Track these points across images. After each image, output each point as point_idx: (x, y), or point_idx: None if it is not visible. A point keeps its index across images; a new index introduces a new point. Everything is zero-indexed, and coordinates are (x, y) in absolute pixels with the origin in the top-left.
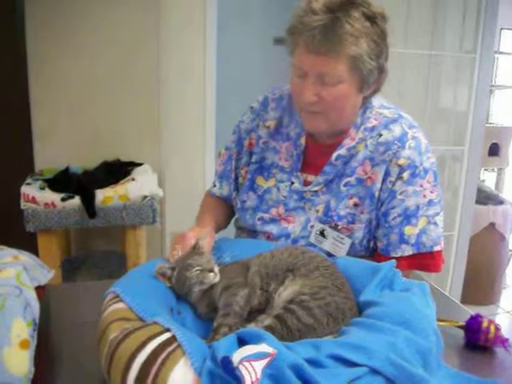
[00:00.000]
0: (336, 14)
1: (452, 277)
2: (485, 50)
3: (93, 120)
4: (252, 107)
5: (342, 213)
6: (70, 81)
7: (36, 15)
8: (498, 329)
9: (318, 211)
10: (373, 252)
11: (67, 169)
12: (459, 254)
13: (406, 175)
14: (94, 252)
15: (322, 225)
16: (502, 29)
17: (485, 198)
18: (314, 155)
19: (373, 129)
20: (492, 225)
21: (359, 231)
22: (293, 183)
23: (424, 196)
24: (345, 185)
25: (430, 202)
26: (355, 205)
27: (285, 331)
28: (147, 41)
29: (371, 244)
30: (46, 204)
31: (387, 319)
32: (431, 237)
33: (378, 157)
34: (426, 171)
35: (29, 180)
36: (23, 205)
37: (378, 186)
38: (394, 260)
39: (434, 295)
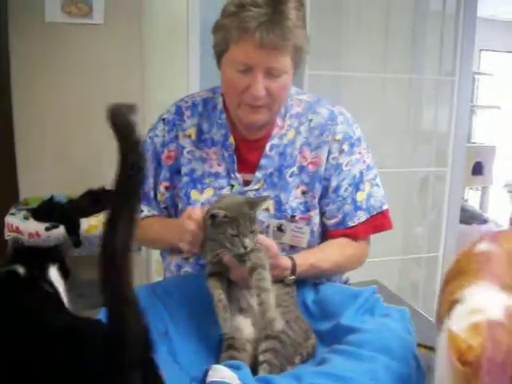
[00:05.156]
0: (279, 7)
1: None
2: (463, 71)
3: (77, 148)
4: (164, 118)
5: (294, 204)
6: (54, 110)
7: (20, 48)
8: None
9: (267, 209)
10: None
11: (51, 198)
12: None
13: (345, 147)
14: (79, 281)
15: (278, 220)
16: (481, 50)
17: (469, 217)
18: (246, 152)
19: (298, 115)
20: None
21: (316, 217)
22: (233, 186)
23: (364, 162)
24: (290, 175)
25: (369, 167)
26: (303, 192)
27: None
28: (132, 72)
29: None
30: (31, 234)
31: (367, 346)
32: (378, 198)
33: (315, 140)
34: (359, 139)
35: (13, 210)
36: (7, 235)
37: (324, 166)
38: (374, 286)
39: (418, 320)
